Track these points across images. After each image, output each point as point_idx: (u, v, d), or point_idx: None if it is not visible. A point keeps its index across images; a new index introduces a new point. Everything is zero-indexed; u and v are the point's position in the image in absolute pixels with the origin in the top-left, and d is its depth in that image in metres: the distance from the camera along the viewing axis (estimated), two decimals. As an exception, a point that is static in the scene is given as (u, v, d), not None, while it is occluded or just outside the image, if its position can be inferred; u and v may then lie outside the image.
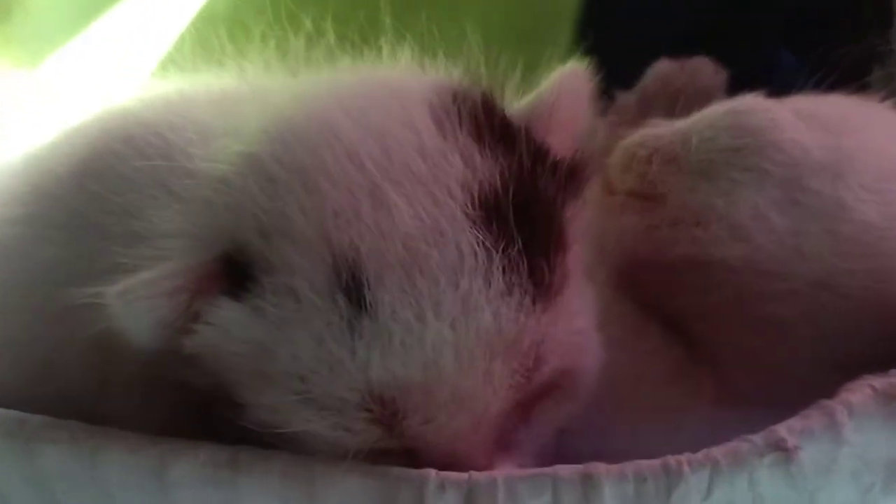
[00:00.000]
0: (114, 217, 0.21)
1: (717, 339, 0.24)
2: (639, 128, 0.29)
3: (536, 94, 0.22)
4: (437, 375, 0.19)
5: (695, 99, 0.33)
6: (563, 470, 0.18)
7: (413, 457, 0.19)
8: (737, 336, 0.24)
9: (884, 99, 0.31)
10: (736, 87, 0.34)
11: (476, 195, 0.20)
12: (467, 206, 0.19)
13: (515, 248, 0.19)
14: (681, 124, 0.26)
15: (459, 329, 0.19)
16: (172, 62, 0.29)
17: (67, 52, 0.41)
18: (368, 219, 0.19)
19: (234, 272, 0.19)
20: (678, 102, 0.32)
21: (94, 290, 0.19)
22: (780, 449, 0.18)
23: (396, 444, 0.19)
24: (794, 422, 0.19)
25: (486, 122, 0.21)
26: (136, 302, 0.19)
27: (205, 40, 0.27)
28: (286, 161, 0.20)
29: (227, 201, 0.20)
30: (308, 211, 0.19)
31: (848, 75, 0.33)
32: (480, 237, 0.19)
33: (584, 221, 0.22)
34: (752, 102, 0.25)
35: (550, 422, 0.20)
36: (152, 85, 0.29)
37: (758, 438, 0.18)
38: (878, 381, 0.19)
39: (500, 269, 0.19)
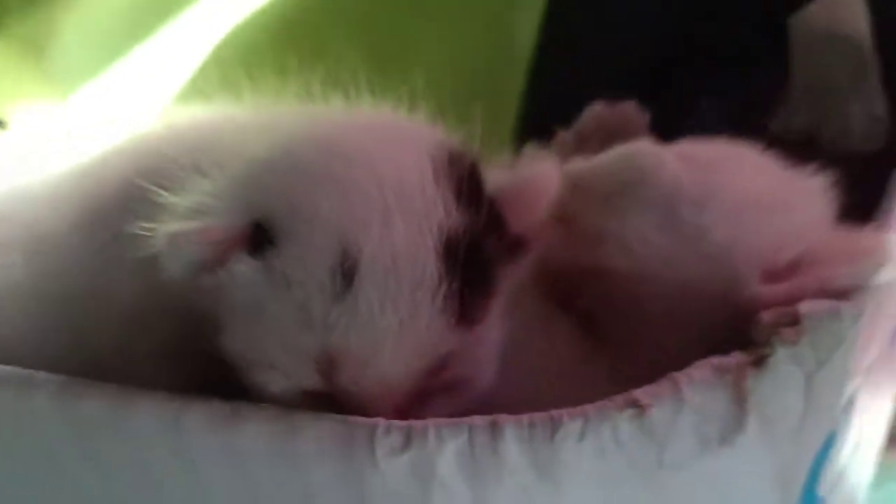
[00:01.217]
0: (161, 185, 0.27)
1: (612, 333, 0.31)
2: (572, 160, 0.36)
3: (513, 175, 0.29)
4: (375, 353, 0.25)
5: (622, 135, 0.39)
6: (477, 419, 0.24)
7: (337, 407, 0.25)
8: (626, 330, 0.30)
9: (782, 137, 0.38)
10: (661, 125, 0.41)
11: (444, 237, 0.26)
12: (438, 243, 0.26)
13: (457, 283, 0.26)
14: (591, 162, 0.32)
15: (404, 327, 0.25)
16: (194, 94, 0.35)
17: (98, 85, 0.46)
18: (375, 231, 0.26)
19: (259, 236, 0.26)
20: (608, 139, 0.39)
21: (150, 225, 0.25)
22: (636, 406, 0.24)
23: (327, 390, 0.26)
24: (649, 388, 0.25)
25: (467, 186, 0.27)
26: (182, 244, 0.25)
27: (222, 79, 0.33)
28: (325, 167, 0.27)
29: (269, 181, 0.27)
30: (335, 211, 0.26)
31: (753, 117, 0.41)
32: (440, 268, 0.26)
33: (516, 280, 0.28)
34: (644, 147, 0.32)
35: (439, 409, 0.27)
36: (177, 113, 0.35)
37: (619, 398, 0.24)
38: (717, 360, 0.25)
39: (444, 294, 0.26)
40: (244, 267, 0.26)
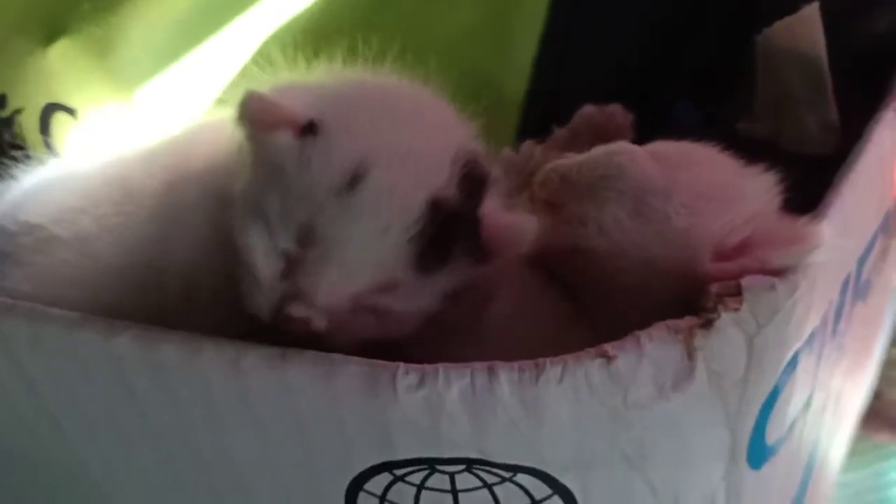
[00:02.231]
0: None
1: (590, 300, 0.36)
2: (564, 154, 0.42)
3: (506, 212, 0.35)
4: (346, 244, 0.31)
5: (609, 133, 0.45)
6: (478, 364, 0.29)
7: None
8: (600, 299, 0.35)
9: (747, 140, 0.43)
10: (644, 127, 0.46)
11: (435, 199, 0.32)
12: (428, 198, 0.32)
13: (426, 235, 0.32)
14: (578, 157, 0.38)
15: (375, 237, 0.31)
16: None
17: (160, 83, 0.50)
18: (389, 161, 0.31)
19: (308, 128, 0.32)
20: (597, 136, 0.45)
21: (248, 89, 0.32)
22: (605, 356, 0.29)
23: (294, 258, 0.31)
24: (617, 342, 0.29)
25: (470, 185, 0.33)
26: (255, 103, 0.32)
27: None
28: (378, 103, 0.34)
29: (334, 96, 0.33)
30: (367, 135, 0.32)
31: (724, 122, 0.46)
32: (420, 215, 0.31)
33: (470, 273, 0.34)
34: (622, 146, 0.37)
35: (358, 327, 0.32)
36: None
37: (592, 350, 0.29)
38: (672, 322, 0.30)
39: (413, 234, 0.31)
40: (286, 140, 0.32)
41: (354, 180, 0.31)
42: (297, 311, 0.31)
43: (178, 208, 0.36)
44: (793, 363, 0.36)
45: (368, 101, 0.34)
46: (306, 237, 0.31)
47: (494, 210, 0.35)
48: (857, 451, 0.61)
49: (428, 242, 0.31)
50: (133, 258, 0.36)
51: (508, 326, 0.35)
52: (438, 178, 0.32)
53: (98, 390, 0.34)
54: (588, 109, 0.46)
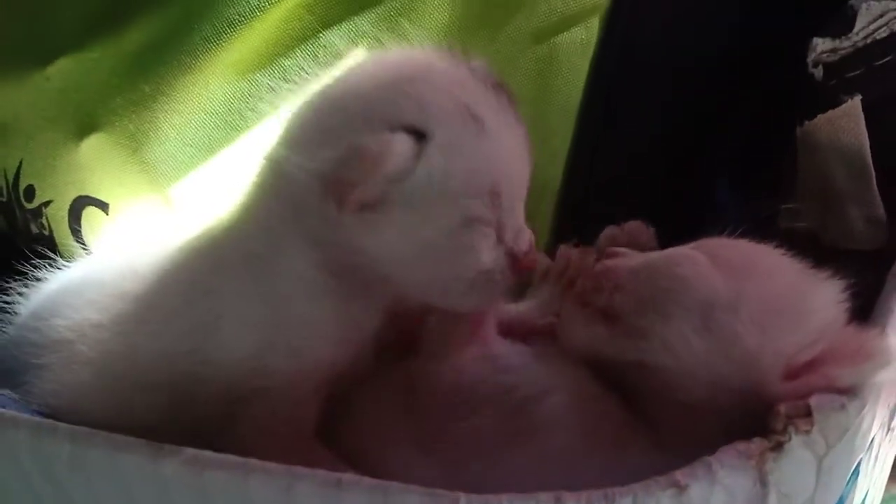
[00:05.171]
0: None
1: (651, 412, 0.35)
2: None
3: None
4: (515, 165, 0.36)
5: (636, 248, 0.44)
6: (542, 495, 0.28)
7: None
8: (663, 411, 0.34)
9: (786, 230, 0.42)
10: (682, 214, 0.46)
11: None
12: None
13: None
14: (632, 262, 0.37)
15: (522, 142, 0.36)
16: None
17: (196, 178, 0.50)
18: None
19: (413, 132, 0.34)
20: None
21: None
22: (676, 486, 0.28)
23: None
24: (687, 469, 0.29)
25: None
26: (369, 151, 0.34)
27: None
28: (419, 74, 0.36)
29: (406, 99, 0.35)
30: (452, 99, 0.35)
31: (764, 212, 0.45)
32: None
33: None
34: (682, 254, 0.36)
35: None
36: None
37: (662, 479, 0.28)
38: (742, 446, 0.29)
39: None
40: (427, 156, 0.34)
41: (477, 121, 0.34)
42: (524, 245, 0.36)
43: (210, 314, 0.35)
44: (855, 473, 0.35)
45: (417, 74, 0.36)
46: (492, 195, 0.34)
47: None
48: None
49: None
50: (166, 375, 0.35)
51: (567, 420, 0.34)
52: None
53: (139, 511, 0.33)
54: (609, 231, 0.45)
